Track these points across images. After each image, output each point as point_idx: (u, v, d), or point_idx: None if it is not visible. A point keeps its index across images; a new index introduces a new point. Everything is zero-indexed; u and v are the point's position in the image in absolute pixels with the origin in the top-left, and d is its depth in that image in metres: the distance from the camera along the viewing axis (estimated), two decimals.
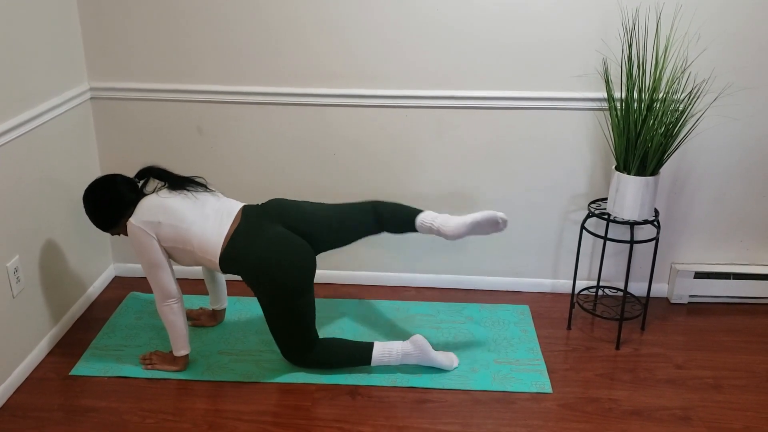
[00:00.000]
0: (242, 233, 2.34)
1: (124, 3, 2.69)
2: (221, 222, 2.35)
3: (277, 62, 2.74)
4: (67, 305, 2.76)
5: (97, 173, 2.94)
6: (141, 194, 2.43)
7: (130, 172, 2.93)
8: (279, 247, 2.32)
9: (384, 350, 2.45)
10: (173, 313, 2.39)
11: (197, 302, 2.89)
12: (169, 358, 2.49)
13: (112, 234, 2.48)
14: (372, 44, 2.69)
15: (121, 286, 3.06)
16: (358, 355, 2.45)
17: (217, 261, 2.32)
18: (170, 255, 2.39)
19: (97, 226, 2.46)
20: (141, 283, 3.07)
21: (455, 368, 2.50)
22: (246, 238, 2.32)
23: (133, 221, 2.32)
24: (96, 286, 2.99)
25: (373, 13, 2.65)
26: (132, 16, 2.70)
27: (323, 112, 2.81)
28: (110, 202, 2.41)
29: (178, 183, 2.42)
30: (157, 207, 2.33)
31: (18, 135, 2.35)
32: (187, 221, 2.32)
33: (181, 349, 2.45)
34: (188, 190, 2.41)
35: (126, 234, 2.39)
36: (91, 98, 2.84)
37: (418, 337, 2.46)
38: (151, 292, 2.98)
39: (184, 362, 2.48)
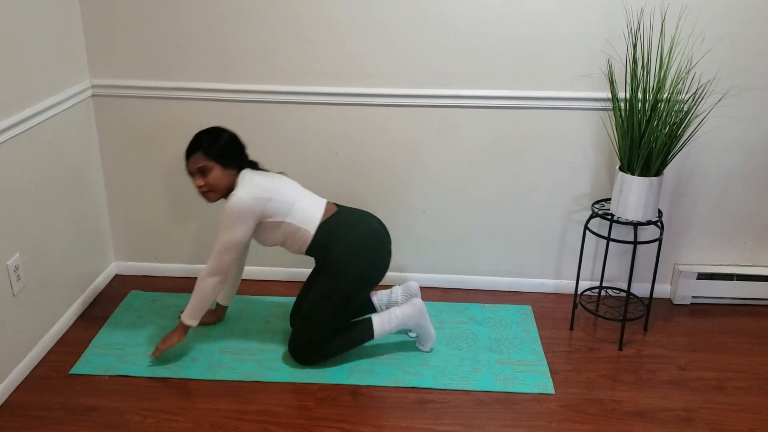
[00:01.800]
0: (346, 212, 2.49)
1: (125, 0, 2.67)
2: (316, 199, 2.49)
3: (279, 61, 2.73)
4: (68, 303, 2.75)
5: (98, 171, 2.93)
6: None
7: (130, 171, 2.95)
8: (377, 237, 2.46)
9: (383, 319, 2.50)
10: (212, 290, 2.41)
11: None
12: (169, 335, 2.48)
13: (207, 173, 2.36)
14: (374, 43, 2.68)
15: (122, 285, 3.05)
16: (359, 336, 2.50)
17: (314, 232, 2.40)
18: (259, 233, 2.42)
19: (217, 151, 2.36)
20: (142, 282, 3.07)
21: (432, 350, 2.59)
22: (350, 217, 2.47)
23: (243, 195, 2.31)
24: (97, 284, 2.98)
25: (375, 12, 2.64)
26: (134, 14, 2.69)
27: (325, 110, 2.80)
28: (241, 145, 2.46)
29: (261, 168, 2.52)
30: (266, 184, 2.38)
31: (19, 132, 2.34)
32: (291, 197, 2.41)
33: (194, 320, 2.45)
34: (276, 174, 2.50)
35: (208, 186, 2.37)
36: (93, 95, 2.83)
37: (417, 301, 2.54)
38: (152, 290, 2.99)
39: (186, 332, 2.49)
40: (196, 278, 3.05)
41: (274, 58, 2.73)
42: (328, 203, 2.50)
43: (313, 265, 2.61)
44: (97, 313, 2.84)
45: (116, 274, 3.14)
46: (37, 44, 2.45)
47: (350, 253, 2.40)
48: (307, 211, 2.42)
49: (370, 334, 2.49)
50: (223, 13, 2.67)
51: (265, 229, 2.41)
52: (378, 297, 2.67)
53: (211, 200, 2.43)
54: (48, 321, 2.60)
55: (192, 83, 2.78)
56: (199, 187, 2.39)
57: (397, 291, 2.68)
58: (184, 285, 3.05)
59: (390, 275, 3.02)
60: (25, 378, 2.42)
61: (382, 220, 2.55)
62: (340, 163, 2.88)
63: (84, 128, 2.81)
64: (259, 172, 2.46)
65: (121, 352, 2.57)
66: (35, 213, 2.49)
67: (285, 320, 2.76)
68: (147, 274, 3.12)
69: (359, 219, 2.48)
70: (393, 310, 2.52)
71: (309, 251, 2.46)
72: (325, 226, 2.42)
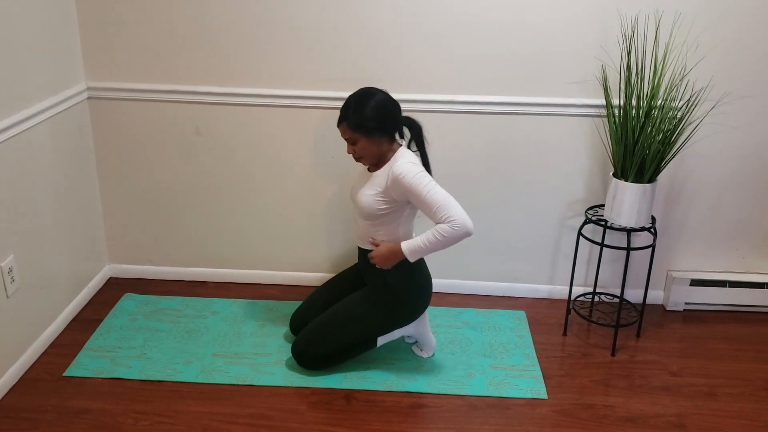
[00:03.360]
0: None
1: (122, 3, 2.68)
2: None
3: (276, 65, 2.74)
4: (62, 306, 2.75)
5: (93, 173, 2.93)
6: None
7: (127, 173, 2.95)
8: (431, 288, 2.53)
9: None
10: (452, 243, 2.28)
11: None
12: (389, 257, 2.37)
13: (355, 143, 2.32)
14: (372, 48, 2.69)
15: (116, 287, 3.04)
16: (363, 344, 2.49)
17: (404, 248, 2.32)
18: (376, 199, 2.34)
19: (360, 124, 2.27)
20: (136, 284, 3.06)
21: (432, 356, 2.60)
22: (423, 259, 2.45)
23: (405, 162, 2.28)
24: (91, 287, 2.97)
25: (373, 18, 2.65)
26: (131, 17, 2.70)
27: (322, 114, 2.80)
28: (391, 112, 2.35)
29: (420, 144, 2.43)
30: (424, 172, 2.31)
31: (14, 134, 2.33)
32: None
33: (414, 259, 2.34)
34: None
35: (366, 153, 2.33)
36: (89, 98, 2.83)
37: None
38: (146, 293, 2.98)
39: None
40: (190, 282, 3.09)
41: (271, 61, 2.73)
42: None
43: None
44: (91, 315, 2.83)
45: (110, 277, 3.14)
46: (34, 46, 2.45)
47: (421, 289, 2.46)
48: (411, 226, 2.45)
49: (373, 342, 2.49)
50: (220, 17, 2.68)
51: (386, 201, 2.34)
52: None
53: (365, 165, 2.41)
54: (41, 323, 2.60)
55: (188, 86, 2.79)
56: (350, 153, 2.37)
57: None
58: (178, 288, 3.05)
59: None
60: (18, 380, 2.42)
61: None
62: (337, 166, 2.88)
63: (79, 130, 2.81)
64: (416, 159, 2.36)
65: (114, 355, 2.56)
66: (30, 215, 2.48)
67: (279, 324, 2.76)
68: (141, 277, 3.12)
69: (424, 263, 2.49)
70: None
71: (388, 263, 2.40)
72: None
